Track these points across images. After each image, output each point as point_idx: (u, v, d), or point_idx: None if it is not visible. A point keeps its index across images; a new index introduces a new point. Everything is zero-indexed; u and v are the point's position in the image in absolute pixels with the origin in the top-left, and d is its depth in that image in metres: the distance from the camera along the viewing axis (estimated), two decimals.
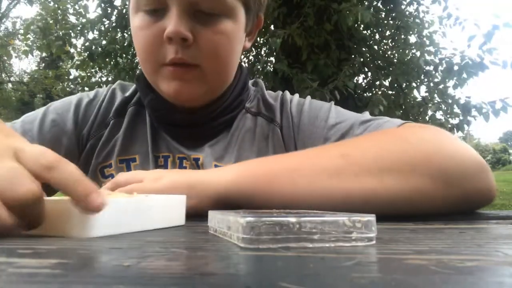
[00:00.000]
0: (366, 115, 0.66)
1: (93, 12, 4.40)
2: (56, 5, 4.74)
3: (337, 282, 0.16)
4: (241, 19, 0.63)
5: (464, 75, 3.89)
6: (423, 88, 4.23)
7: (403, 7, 4.36)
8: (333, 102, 0.71)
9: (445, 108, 4.12)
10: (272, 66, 3.95)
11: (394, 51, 4.29)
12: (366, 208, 0.44)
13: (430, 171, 0.47)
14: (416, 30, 4.37)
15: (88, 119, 0.69)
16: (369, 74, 4.31)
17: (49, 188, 0.32)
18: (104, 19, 4.39)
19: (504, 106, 3.55)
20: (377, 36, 4.56)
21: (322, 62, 3.51)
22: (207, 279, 0.17)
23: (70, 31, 4.42)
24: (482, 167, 0.49)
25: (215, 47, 0.60)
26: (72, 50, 4.65)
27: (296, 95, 0.75)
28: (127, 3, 0.76)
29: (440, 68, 3.99)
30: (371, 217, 0.26)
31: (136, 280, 0.16)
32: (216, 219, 0.31)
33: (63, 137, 0.67)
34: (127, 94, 0.72)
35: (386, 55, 4.36)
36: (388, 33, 4.44)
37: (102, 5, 4.28)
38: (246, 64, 4.34)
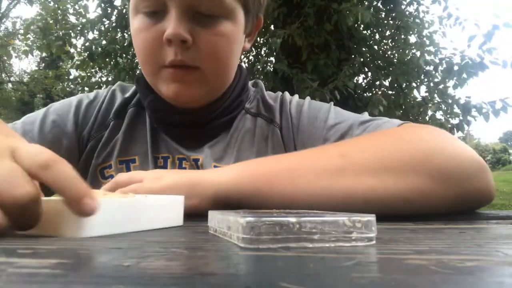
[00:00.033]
0: (365, 115, 0.67)
1: (93, 12, 4.41)
2: (56, 5, 4.74)
3: (337, 282, 0.16)
4: (240, 21, 0.63)
5: (464, 75, 3.89)
6: (423, 88, 4.23)
7: (403, 7, 4.36)
8: (332, 103, 0.71)
9: (445, 108, 4.12)
10: (272, 66, 3.95)
11: (394, 51, 4.29)
12: (366, 207, 0.44)
13: (429, 171, 0.47)
14: (416, 30, 4.37)
15: (88, 120, 0.70)
16: (369, 74, 4.31)
17: (47, 189, 0.32)
18: (104, 19, 4.39)
19: (504, 106, 3.55)
20: (377, 36, 4.56)
21: (322, 62, 3.51)
22: (207, 279, 0.17)
23: (70, 31, 4.41)
24: (481, 167, 0.50)
25: (215, 49, 0.60)
26: (72, 50, 4.65)
27: (296, 96, 0.75)
28: (126, 3, 0.76)
29: (440, 68, 3.99)
30: (371, 217, 0.26)
31: (136, 280, 0.16)
32: (216, 219, 0.31)
33: (64, 138, 0.67)
34: (127, 95, 0.72)
35: (386, 55, 4.36)
36: (388, 33, 4.44)
37: (102, 5, 4.28)
38: (246, 64, 4.34)
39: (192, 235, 0.33)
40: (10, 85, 15.81)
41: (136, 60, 4.36)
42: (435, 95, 4.21)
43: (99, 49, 4.23)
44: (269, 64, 4.05)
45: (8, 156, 0.30)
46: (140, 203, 0.36)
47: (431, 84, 4.21)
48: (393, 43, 4.43)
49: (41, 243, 0.26)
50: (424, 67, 3.91)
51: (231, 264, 0.20)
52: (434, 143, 0.50)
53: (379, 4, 4.33)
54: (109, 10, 4.35)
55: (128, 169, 0.67)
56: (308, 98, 0.73)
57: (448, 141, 0.51)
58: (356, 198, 0.46)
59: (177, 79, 0.61)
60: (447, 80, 4.03)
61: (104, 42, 4.32)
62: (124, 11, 4.20)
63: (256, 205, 0.48)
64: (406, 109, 4.14)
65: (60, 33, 4.43)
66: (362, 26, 4.02)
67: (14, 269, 0.18)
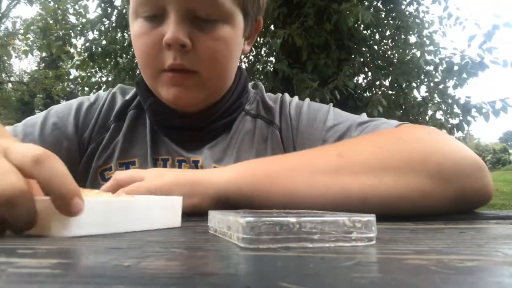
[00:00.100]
0: (364, 116, 0.67)
1: (93, 12, 4.41)
2: (56, 5, 4.75)
3: (337, 282, 0.16)
4: (239, 24, 0.63)
5: (464, 75, 3.89)
6: (423, 88, 4.24)
7: (403, 7, 4.36)
8: (331, 104, 0.72)
9: (445, 108, 4.12)
10: (272, 66, 3.95)
11: (394, 51, 4.29)
12: (365, 206, 0.45)
13: (428, 170, 0.47)
14: (416, 30, 4.37)
15: (88, 123, 0.70)
16: (369, 74, 4.31)
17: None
18: (104, 19, 4.39)
19: (504, 106, 3.55)
20: (377, 36, 4.56)
21: (322, 62, 3.52)
22: (207, 279, 0.17)
23: (70, 31, 4.42)
24: (479, 167, 0.50)
25: (214, 53, 0.60)
26: (72, 50, 4.65)
27: (296, 98, 0.75)
28: (126, 5, 0.76)
29: (440, 68, 3.99)
30: (371, 217, 0.26)
31: (136, 280, 0.16)
32: (216, 219, 0.31)
33: (64, 141, 0.67)
34: (127, 97, 0.73)
35: (386, 55, 4.37)
36: (388, 33, 4.45)
37: (102, 5, 4.28)
38: (246, 64, 4.34)
39: (192, 235, 0.33)
40: (10, 85, 15.81)
41: (136, 60, 4.34)
42: (435, 95, 4.21)
43: (99, 49, 4.24)
44: (269, 64, 4.06)
45: (0, 155, 0.30)
46: (131, 203, 0.35)
47: (431, 84, 4.21)
48: (393, 43, 4.44)
49: (41, 243, 0.26)
50: (424, 67, 3.91)
51: (231, 264, 0.20)
52: (433, 143, 0.51)
53: (379, 4, 4.33)
54: (109, 10, 4.35)
55: None
56: (307, 99, 0.74)
57: (447, 141, 0.51)
58: (355, 198, 0.46)
59: (176, 83, 0.61)
60: (447, 80, 4.03)
61: (104, 42, 4.32)
62: (124, 11, 4.20)
63: (256, 204, 0.48)
64: (406, 109, 4.14)
65: (60, 33, 4.44)
66: (362, 26, 4.02)
67: (14, 269, 0.18)
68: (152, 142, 0.68)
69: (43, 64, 16.36)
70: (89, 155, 0.69)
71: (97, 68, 4.65)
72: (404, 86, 3.97)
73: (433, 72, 4.07)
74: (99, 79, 4.99)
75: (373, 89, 4.23)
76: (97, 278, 0.17)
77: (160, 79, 0.62)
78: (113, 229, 0.32)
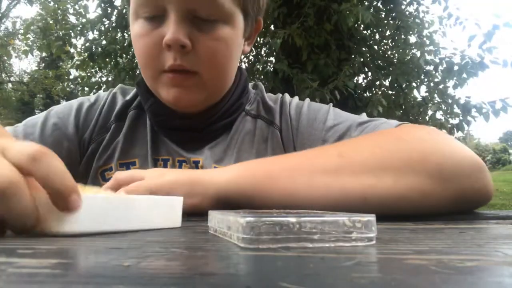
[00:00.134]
0: (364, 116, 0.67)
1: (93, 12, 4.41)
2: (56, 5, 4.75)
3: (337, 282, 0.16)
4: (239, 25, 0.63)
5: (464, 75, 3.89)
6: (423, 88, 4.24)
7: (403, 7, 4.36)
8: (331, 104, 0.72)
9: (445, 108, 4.12)
10: (272, 66, 3.95)
11: (394, 51, 4.29)
12: (365, 206, 0.45)
13: (428, 170, 0.47)
14: (416, 30, 4.37)
15: (89, 124, 0.70)
16: (369, 74, 4.31)
17: None
18: (104, 19, 4.39)
19: (504, 106, 3.55)
20: (377, 36, 4.56)
21: (322, 62, 3.52)
22: (207, 279, 0.17)
23: (70, 31, 4.42)
24: (479, 167, 0.50)
25: (214, 54, 0.60)
26: (72, 50, 4.65)
27: (296, 98, 0.75)
28: (126, 5, 0.76)
29: (440, 68, 3.99)
30: (371, 217, 0.26)
31: (136, 280, 0.16)
32: (216, 219, 0.31)
33: (65, 141, 0.68)
34: (128, 98, 0.73)
35: (386, 55, 4.37)
36: (388, 33, 4.45)
37: (102, 5, 4.28)
38: (246, 64, 4.34)
39: (192, 235, 0.33)
40: (10, 85, 15.81)
41: (136, 60, 4.34)
42: (435, 95, 4.21)
43: (99, 49, 4.24)
44: (269, 64, 4.06)
45: None
46: (131, 201, 0.35)
47: (431, 84, 4.21)
48: (393, 43, 4.44)
49: (41, 243, 0.26)
50: (424, 67, 3.91)
51: (231, 264, 0.20)
52: (433, 143, 0.51)
53: (379, 4, 4.33)
54: (109, 10, 4.35)
55: None
56: (307, 99, 0.74)
57: (447, 141, 0.51)
58: (355, 197, 0.46)
59: (176, 83, 0.61)
60: (447, 80, 4.03)
61: (104, 42, 4.32)
62: (124, 11, 4.20)
63: (256, 204, 0.48)
64: (406, 109, 4.14)
65: (60, 33, 4.44)
66: (362, 26, 4.02)
67: (14, 269, 0.18)
68: (153, 143, 0.68)
69: (43, 64, 16.36)
70: (89, 156, 0.69)
71: (97, 68, 4.65)
72: (404, 86, 3.98)
73: (433, 72, 4.07)
74: (99, 79, 5.00)
75: (373, 89, 4.23)
76: (97, 278, 0.17)
77: (160, 80, 0.62)
78: (111, 227, 0.32)
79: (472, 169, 0.49)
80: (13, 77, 16.51)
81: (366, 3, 3.95)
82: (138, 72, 4.21)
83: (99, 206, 0.31)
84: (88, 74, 4.74)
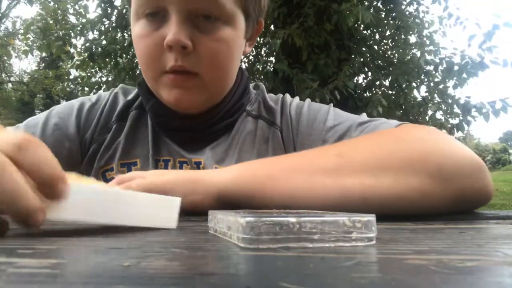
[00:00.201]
0: (364, 116, 0.67)
1: (93, 12, 4.41)
2: (56, 5, 4.75)
3: (337, 282, 0.16)
4: (240, 26, 0.63)
5: (464, 75, 3.89)
6: (423, 88, 4.24)
7: (403, 7, 4.36)
8: (331, 104, 0.72)
9: (445, 108, 4.12)
10: (272, 66, 3.95)
11: (394, 51, 4.29)
12: (364, 206, 0.45)
13: (427, 169, 0.47)
14: (416, 30, 4.37)
15: (90, 124, 0.70)
16: (369, 74, 4.31)
17: None
18: (104, 19, 4.39)
19: (504, 106, 3.55)
20: (377, 36, 4.56)
21: (322, 62, 3.52)
22: (207, 279, 0.17)
23: (70, 31, 4.42)
24: (479, 167, 0.50)
25: (215, 55, 0.60)
26: (72, 50, 4.65)
27: (297, 98, 0.75)
28: (126, 4, 0.76)
29: (440, 68, 3.99)
30: (371, 217, 0.26)
31: (136, 280, 0.16)
32: (216, 219, 0.31)
33: (66, 141, 0.67)
34: (129, 98, 0.73)
35: (386, 55, 4.37)
36: (388, 33, 4.45)
37: (102, 5, 4.28)
38: (246, 64, 4.34)
39: (192, 235, 0.33)
40: (10, 85, 15.82)
41: (136, 60, 4.37)
42: (435, 95, 4.21)
43: (99, 49, 4.24)
44: (269, 64, 4.06)
45: None
46: (121, 195, 0.34)
47: (431, 84, 4.21)
48: (393, 43, 4.44)
49: (41, 243, 0.26)
50: (424, 67, 3.91)
51: (231, 264, 0.20)
52: (433, 143, 0.51)
53: (379, 4, 4.33)
54: (109, 10, 4.35)
55: (130, 172, 0.67)
56: (308, 100, 0.74)
57: (447, 141, 0.51)
58: (355, 197, 0.46)
59: (177, 84, 0.61)
60: (447, 80, 4.03)
61: (104, 42, 4.32)
62: (124, 11, 4.21)
63: (256, 204, 0.48)
64: (406, 109, 4.14)
65: (60, 33, 4.44)
66: (362, 26, 4.02)
67: (14, 269, 0.18)
68: (154, 143, 0.68)
69: (43, 64, 16.36)
70: (90, 156, 0.69)
71: (97, 68, 4.65)
72: (404, 86, 3.98)
73: (433, 72, 4.07)
74: (99, 79, 5.00)
75: (373, 89, 4.23)
76: (97, 278, 0.17)
77: (161, 81, 0.62)
78: (99, 219, 0.31)
79: (472, 169, 0.49)
80: (13, 77, 16.52)
81: (366, 3, 3.95)
82: (138, 72, 4.21)
83: (87, 196, 0.31)
84: (88, 74, 4.74)
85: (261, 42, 4.15)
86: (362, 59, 3.84)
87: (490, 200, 0.52)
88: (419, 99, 4.28)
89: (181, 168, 0.67)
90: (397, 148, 0.49)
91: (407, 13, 4.38)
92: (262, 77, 3.92)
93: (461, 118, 3.97)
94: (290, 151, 0.68)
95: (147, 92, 0.68)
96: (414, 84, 4.15)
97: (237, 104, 0.70)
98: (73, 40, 4.50)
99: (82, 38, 4.45)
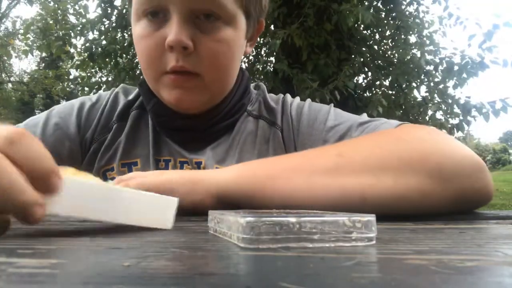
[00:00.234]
0: (364, 117, 0.67)
1: (93, 12, 4.41)
2: (56, 5, 4.75)
3: (337, 282, 0.16)
4: (241, 26, 0.63)
5: (464, 75, 3.89)
6: (423, 88, 4.24)
7: (403, 7, 4.36)
8: (332, 105, 0.72)
9: (445, 108, 4.12)
10: (272, 66, 3.95)
11: (394, 51, 4.29)
12: (364, 206, 0.45)
13: (428, 170, 0.47)
14: (416, 30, 4.37)
15: (91, 123, 0.70)
16: (369, 74, 4.31)
17: None
18: (104, 19, 4.39)
19: (504, 106, 3.55)
20: (377, 36, 4.56)
21: (322, 62, 3.52)
22: (207, 279, 0.17)
23: (70, 31, 4.42)
24: (480, 167, 0.50)
25: (216, 56, 0.60)
26: (72, 50, 4.65)
27: (297, 98, 0.75)
28: (127, 3, 0.76)
29: (440, 68, 3.99)
30: (371, 217, 0.26)
31: (136, 280, 0.16)
32: (216, 219, 0.31)
33: (66, 141, 0.67)
34: (130, 97, 0.73)
35: (386, 55, 4.36)
36: (388, 33, 4.45)
37: (102, 5, 4.28)
38: (246, 64, 4.34)
39: (192, 235, 0.33)
40: (10, 85, 15.82)
41: (136, 60, 4.37)
42: (435, 95, 4.21)
43: (99, 49, 4.24)
44: (269, 64, 4.06)
45: None
46: (115, 191, 0.33)
47: (431, 84, 4.21)
48: (393, 43, 4.43)
49: (41, 243, 0.26)
50: (424, 67, 3.91)
51: (231, 264, 0.20)
52: (433, 143, 0.51)
53: (379, 4, 4.33)
54: (109, 10, 4.35)
55: (130, 172, 0.67)
56: (308, 100, 0.74)
57: (447, 141, 0.51)
58: (355, 197, 0.46)
59: (178, 85, 0.61)
60: (447, 80, 4.03)
61: (104, 42, 4.32)
62: (124, 11, 4.21)
63: (257, 204, 0.48)
64: (406, 109, 4.14)
65: (60, 33, 4.44)
66: (362, 26, 4.02)
67: (14, 269, 0.18)
68: (155, 143, 0.68)
69: (43, 64, 16.37)
70: (91, 155, 0.69)
71: (97, 68, 4.65)
72: (404, 86, 3.97)
73: (433, 72, 4.07)
74: (99, 79, 5.00)
75: (373, 89, 4.23)
76: (97, 278, 0.17)
77: (162, 81, 0.62)
78: (92, 214, 0.31)
79: (472, 169, 0.49)
80: (13, 77, 16.52)
81: (366, 3, 3.95)
82: (138, 72, 4.21)
83: (80, 191, 0.30)
84: (88, 74, 4.74)
85: (261, 42, 4.15)
86: (362, 59, 3.84)
87: (491, 200, 0.52)
88: (419, 99, 4.28)
89: (181, 168, 0.67)
90: (397, 148, 0.49)
91: (407, 13, 4.38)
92: (262, 77, 3.92)
93: (461, 118, 3.97)
94: (290, 151, 0.68)
95: (148, 92, 0.68)
96: (414, 84, 4.15)
97: (238, 104, 0.70)
98: (73, 40, 4.50)
99: (82, 38, 4.45)
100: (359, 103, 3.86)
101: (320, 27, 3.57)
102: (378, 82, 4.24)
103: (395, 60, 4.15)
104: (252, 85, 0.77)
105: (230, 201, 0.49)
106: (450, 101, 4.06)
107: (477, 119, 3.83)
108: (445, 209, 0.48)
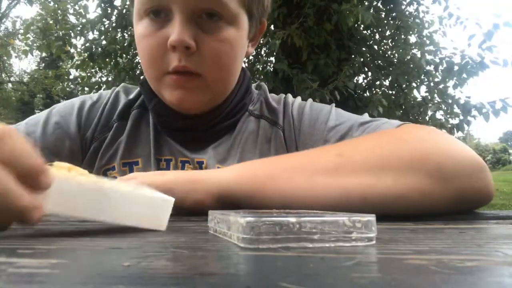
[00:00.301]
0: (365, 116, 0.67)
1: (93, 12, 4.41)
2: (56, 5, 4.75)
3: (337, 282, 0.16)
4: (244, 26, 0.63)
5: (464, 75, 3.89)
6: (423, 88, 4.24)
7: (403, 7, 4.36)
8: (333, 104, 0.72)
9: (445, 108, 4.12)
10: (272, 66, 3.95)
11: (394, 51, 4.29)
12: (364, 206, 0.45)
13: (429, 170, 0.47)
14: (416, 30, 4.37)
15: (91, 122, 0.70)
16: (369, 74, 4.31)
17: None
18: (104, 19, 4.39)
19: (504, 106, 3.55)
20: (377, 36, 4.56)
21: (322, 62, 3.52)
22: (207, 279, 0.17)
23: (70, 31, 4.42)
24: (480, 167, 0.50)
25: (218, 56, 0.60)
26: (72, 50, 4.65)
27: (298, 98, 0.75)
28: (127, 3, 0.76)
29: (440, 68, 3.99)
30: (371, 217, 0.26)
31: (136, 280, 0.16)
32: (216, 219, 0.31)
33: (67, 139, 0.67)
34: (131, 97, 0.73)
35: (386, 55, 4.36)
36: (388, 33, 4.45)
37: (102, 5, 4.28)
38: (246, 64, 4.35)
39: (192, 235, 0.33)
40: (10, 85, 15.83)
41: (136, 60, 4.37)
42: (435, 95, 4.21)
43: (99, 49, 4.23)
44: (269, 64, 4.06)
45: None
46: (107, 190, 0.32)
47: (431, 84, 4.21)
48: (393, 43, 4.44)
49: (41, 243, 0.26)
50: (424, 67, 3.91)
51: (231, 264, 0.20)
52: (433, 143, 0.51)
53: (379, 4, 4.33)
54: (109, 10, 4.35)
55: (131, 171, 0.67)
56: (310, 100, 0.74)
57: (447, 141, 0.51)
58: (355, 197, 0.46)
59: (180, 85, 0.61)
60: (447, 80, 4.03)
61: (104, 42, 4.32)
62: (124, 11, 4.21)
63: (257, 204, 0.48)
64: (406, 109, 4.14)
65: (60, 33, 4.44)
66: (362, 26, 4.02)
67: (14, 269, 0.18)
68: (156, 142, 0.68)
69: (43, 64, 16.36)
70: (91, 154, 0.69)
71: (97, 68, 4.65)
72: (404, 86, 3.97)
73: (433, 72, 4.07)
74: (99, 79, 5.00)
75: (373, 89, 4.23)
76: (97, 278, 0.17)
77: (164, 81, 0.62)
78: (83, 213, 0.31)
79: (472, 169, 0.49)
80: (13, 77, 16.52)
81: (366, 3, 3.95)
82: (138, 72, 4.21)
83: (70, 189, 0.30)
84: (88, 74, 4.74)
85: (261, 42, 4.15)
86: (362, 59, 3.84)
87: (491, 200, 0.52)
88: (419, 99, 4.28)
89: (183, 167, 0.67)
90: (397, 148, 0.49)
91: (407, 13, 4.38)
92: (262, 77, 3.92)
93: (461, 118, 3.97)
94: (292, 151, 0.68)
95: (150, 91, 0.68)
96: (414, 84, 4.15)
97: (239, 104, 0.70)
98: (73, 40, 4.50)
99: (82, 38, 4.45)
100: (359, 103, 3.86)
101: (320, 27, 3.57)
102: (378, 82, 4.24)
103: (395, 60, 4.15)
104: (253, 85, 0.77)
105: (231, 201, 0.49)
106: (450, 101, 4.06)
107: (477, 119, 3.83)
108: (445, 209, 0.48)
